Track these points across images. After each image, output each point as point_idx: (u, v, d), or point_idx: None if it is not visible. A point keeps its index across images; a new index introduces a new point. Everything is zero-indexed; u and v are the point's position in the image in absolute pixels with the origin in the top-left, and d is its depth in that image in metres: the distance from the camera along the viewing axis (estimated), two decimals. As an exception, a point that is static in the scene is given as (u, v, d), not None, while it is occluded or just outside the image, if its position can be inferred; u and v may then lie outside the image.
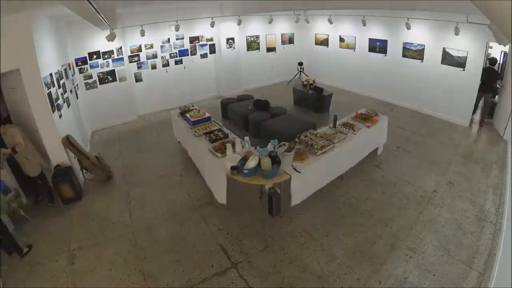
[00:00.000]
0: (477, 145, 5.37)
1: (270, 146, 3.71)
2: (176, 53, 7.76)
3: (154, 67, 7.52)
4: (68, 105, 5.13)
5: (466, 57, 5.84)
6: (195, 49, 8.09)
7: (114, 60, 6.78)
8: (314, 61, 9.81)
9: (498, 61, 6.21)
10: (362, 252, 3.21)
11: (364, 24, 7.38)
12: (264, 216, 3.80)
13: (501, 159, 4.86)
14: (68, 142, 4.37)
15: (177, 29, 6.98)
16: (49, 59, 4.48)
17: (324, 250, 3.26)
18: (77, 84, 6.19)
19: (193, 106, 5.79)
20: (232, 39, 8.44)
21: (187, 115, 5.11)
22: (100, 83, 6.73)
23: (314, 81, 7.74)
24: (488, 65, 5.84)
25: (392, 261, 3.07)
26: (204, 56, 8.30)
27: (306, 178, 3.59)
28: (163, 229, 3.69)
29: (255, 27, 9.01)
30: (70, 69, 5.78)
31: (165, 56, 7.61)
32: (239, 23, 7.93)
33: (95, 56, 6.51)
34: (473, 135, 5.79)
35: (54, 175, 4.05)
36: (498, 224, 3.46)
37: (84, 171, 4.59)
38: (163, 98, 7.88)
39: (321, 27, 9.30)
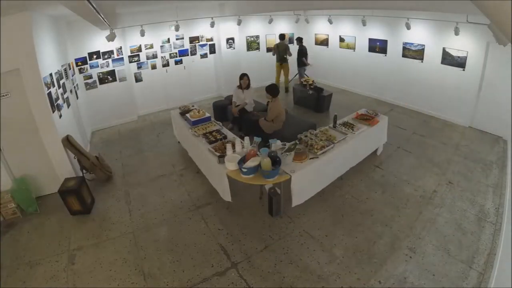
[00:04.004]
0: (477, 145, 5.37)
1: (274, 146, 3.73)
2: (176, 53, 7.76)
3: (154, 67, 7.52)
4: (68, 105, 5.13)
5: (466, 57, 5.84)
6: (195, 49, 8.08)
7: (114, 60, 6.78)
8: (314, 61, 9.78)
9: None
10: (362, 252, 3.21)
11: (364, 24, 7.38)
12: (264, 216, 3.80)
13: (501, 159, 4.86)
14: (68, 142, 4.37)
15: (177, 29, 6.97)
16: (49, 59, 4.48)
17: (324, 250, 3.26)
18: (77, 84, 6.19)
19: (193, 106, 5.79)
20: (232, 39, 8.44)
21: (187, 115, 5.11)
22: (100, 83, 6.73)
23: (313, 81, 7.74)
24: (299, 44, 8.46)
25: (392, 261, 3.07)
26: (204, 56, 8.30)
27: (306, 178, 3.59)
28: (163, 229, 3.69)
29: (255, 27, 9.01)
30: (70, 69, 5.78)
31: (165, 56, 7.61)
32: (239, 23, 7.93)
33: (95, 56, 6.51)
34: (473, 135, 5.78)
35: (61, 186, 3.93)
36: (498, 224, 3.46)
37: (84, 171, 4.59)
38: (163, 98, 7.88)
39: (321, 27, 9.30)
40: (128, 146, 6.01)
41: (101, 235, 3.61)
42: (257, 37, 9.17)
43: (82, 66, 6.42)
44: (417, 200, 3.99)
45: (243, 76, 5.89)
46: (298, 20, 9.22)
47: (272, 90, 4.96)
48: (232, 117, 6.05)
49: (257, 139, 3.84)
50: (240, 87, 5.98)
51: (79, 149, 4.51)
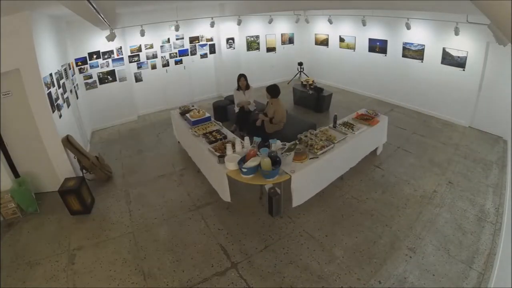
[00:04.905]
0: (477, 145, 5.36)
1: (274, 146, 3.72)
2: (176, 53, 7.76)
3: (154, 67, 7.52)
4: (68, 105, 5.13)
5: (466, 57, 5.84)
6: (195, 49, 8.09)
7: (114, 60, 6.78)
8: (314, 61, 9.81)
9: None
10: (362, 252, 3.21)
11: (364, 24, 7.38)
12: (264, 216, 3.80)
13: (501, 159, 4.86)
14: (68, 142, 4.37)
15: (177, 29, 6.98)
16: (49, 59, 4.48)
17: (324, 250, 3.26)
18: (77, 84, 6.19)
19: (193, 106, 5.79)
20: (232, 39, 8.44)
21: (187, 115, 5.11)
22: (100, 83, 6.73)
23: (313, 81, 7.74)
24: None
25: (392, 261, 3.07)
26: (204, 56, 8.30)
27: (306, 178, 3.59)
28: (163, 229, 3.69)
29: (255, 27, 9.01)
30: (70, 69, 5.78)
31: (165, 56, 7.60)
32: (239, 23, 7.93)
33: (95, 56, 6.51)
34: (473, 135, 5.78)
35: (61, 186, 3.92)
36: (498, 224, 3.46)
37: (84, 171, 4.59)
38: (163, 98, 7.87)
39: (321, 27, 9.30)
40: (128, 146, 6.01)
41: (101, 235, 3.61)
42: (257, 37, 9.16)
43: (82, 66, 6.42)
44: (417, 200, 3.99)
45: (241, 77, 5.76)
46: (298, 20, 9.22)
47: (273, 90, 4.92)
48: (236, 118, 5.93)
49: (257, 139, 3.84)
50: (239, 88, 5.88)
51: (79, 149, 4.51)
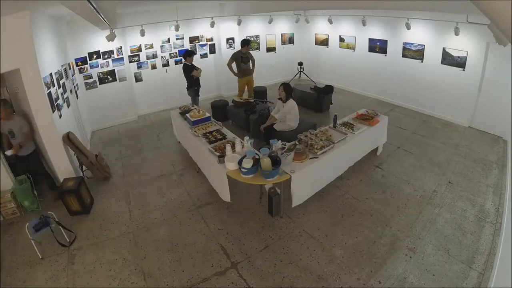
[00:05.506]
0: (477, 145, 5.37)
1: (274, 146, 3.72)
2: (176, 53, 7.76)
3: (154, 67, 7.52)
4: (68, 105, 5.13)
5: (466, 57, 5.84)
6: (195, 49, 8.09)
7: (114, 60, 6.78)
8: (314, 61, 9.81)
9: None
10: (362, 252, 3.21)
11: (364, 24, 7.38)
12: (264, 216, 3.80)
13: (501, 159, 4.86)
14: (68, 139, 4.37)
15: (177, 29, 6.97)
16: (49, 59, 4.47)
17: (324, 250, 3.26)
18: (77, 84, 6.19)
19: (193, 106, 5.80)
20: (232, 39, 8.44)
21: (187, 115, 5.11)
22: (100, 83, 6.74)
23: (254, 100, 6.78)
24: None
25: (392, 261, 3.07)
26: (204, 56, 8.30)
27: (306, 178, 3.59)
28: (163, 229, 3.69)
29: (255, 27, 9.00)
30: (70, 69, 5.78)
31: (165, 56, 7.61)
32: (239, 23, 7.93)
33: (95, 56, 6.51)
34: (473, 135, 5.78)
35: (60, 186, 3.95)
36: (498, 224, 3.46)
37: (83, 167, 4.60)
38: (163, 98, 7.87)
39: (321, 27, 9.30)
40: (128, 146, 6.01)
41: (101, 235, 3.61)
42: (257, 37, 9.16)
43: (82, 66, 6.42)
44: (417, 200, 3.99)
45: (280, 86, 4.83)
46: (298, 20, 9.22)
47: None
48: (264, 134, 5.12)
49: (250, 140, 3.86)
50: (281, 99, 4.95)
51: (78, 147, 4.50)
